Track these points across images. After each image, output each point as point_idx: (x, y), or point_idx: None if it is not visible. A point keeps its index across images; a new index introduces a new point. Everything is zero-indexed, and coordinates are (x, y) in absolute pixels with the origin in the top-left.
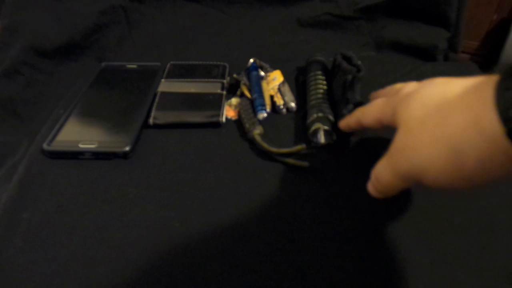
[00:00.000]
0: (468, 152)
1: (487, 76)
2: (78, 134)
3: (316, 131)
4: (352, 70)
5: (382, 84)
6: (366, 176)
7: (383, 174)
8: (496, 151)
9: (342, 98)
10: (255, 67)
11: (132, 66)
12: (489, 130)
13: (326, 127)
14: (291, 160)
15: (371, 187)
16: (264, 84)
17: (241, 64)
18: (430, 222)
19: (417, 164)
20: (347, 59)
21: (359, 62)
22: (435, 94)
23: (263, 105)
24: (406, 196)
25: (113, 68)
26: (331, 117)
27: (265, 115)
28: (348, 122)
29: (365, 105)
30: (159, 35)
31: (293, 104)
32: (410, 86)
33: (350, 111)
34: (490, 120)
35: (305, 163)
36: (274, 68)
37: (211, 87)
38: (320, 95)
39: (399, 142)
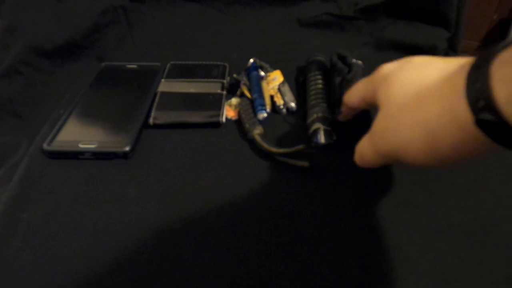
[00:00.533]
0: (443, 137)
1: (461, 64)
2: (78, 134)
3: (316, 131)
4: (343, 70)
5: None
6: (366, 176)
7: (365, 152)
8: (467, 136)
9: (336, 99)
10: (255, 67)
11: (132, 66)
12: (461, 118)
13: (326, 127)
14: (291, 160)
15: (356, 161)
16: (264, 84)
17: (241, 64)
18: (430, 222)
19: (396, 145)
20: (342, 58)
21: (359, 62)
22: (413, 78)
23: (263, 105)
24: (406, 196)
25: (113, 68)
26: (331, 117)
27: (265, 115)
28: (342, 113)
29: (349, 90)
30: (159, 35)
31: (293, 104)
32: (388, 66)
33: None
34: (462, 109)
35: (305, 163)
36: (274, 68)
37: (211, 87)
38: (320, 95)
39: (380, 124)
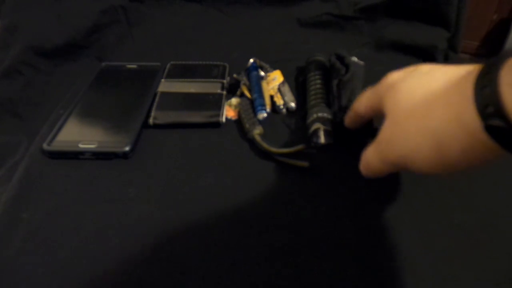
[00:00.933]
0: (451, 144)
1: (468, 70)
2: (78, 134)
3: (316, 131)
4: (340, 71)
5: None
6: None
7: (372, 161)
8: (476, 143)
9: (334, 101)
10: (255, 67)
11: (132, 66)
12: (470, 124)
13: (326, 127)
14: (291, 160)
15: (362, 170)
16: (264, 84)
17: (241, 64)
18: (430, 222)
19: (403, 153)
20: (341, 58)
21: (360, 62)
22: (420, 86)
23: (263, 105)
24: (406, 196)
25: (113, 68)
26: (331, 117)
27: (265, 115)
28: (349, 117)
29: (358, 98)
30: (159, 35)
31: (293, 104)
32: (395, 75)
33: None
34: (471, 115)
35: (305, 163)
36: (274, 68)
37: (211, 87)
38: (319, 95)
39: (386, 132)
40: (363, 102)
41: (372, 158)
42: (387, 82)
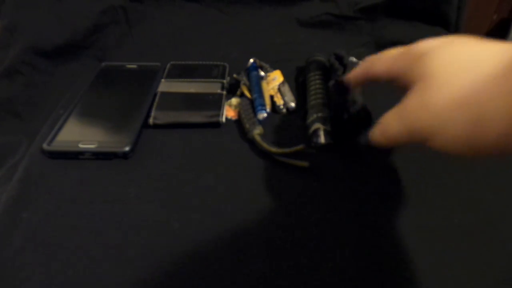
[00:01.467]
0: (494, 123)
1: None
2: (78, 134)
3: (316, 131)
4: (338, 71)
5: (382, 84)
6: (366, 176)
7: (391, 126)
8: None
9: (330, 102)
10: (255, 67)
11: (132, 66)
12: None
13: (326, 127)
14: (291, 160)
15: (376, 134)
16: (264, 84)
17: (241, 64)
18: (430, 222)
19: (431, 124)
20: (340, 58)
21: (357, 61)
22: (464, 53)
23: (263, 105)
24: (406, 196)
25: (113, 68)
26: (330, 117)
27: (265, 115)
28: (355, 74)
29: (375, 55)
30: (159, 35)
31: (293, 104)
32: (429, 42)
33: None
34: None
35: (305, 163)
36: (274, 68)
37: (211, 87)
38: (319, 95)
39: (415, 97)
40: (382, 62)
41: (393, 122)
42: (418, 49)
